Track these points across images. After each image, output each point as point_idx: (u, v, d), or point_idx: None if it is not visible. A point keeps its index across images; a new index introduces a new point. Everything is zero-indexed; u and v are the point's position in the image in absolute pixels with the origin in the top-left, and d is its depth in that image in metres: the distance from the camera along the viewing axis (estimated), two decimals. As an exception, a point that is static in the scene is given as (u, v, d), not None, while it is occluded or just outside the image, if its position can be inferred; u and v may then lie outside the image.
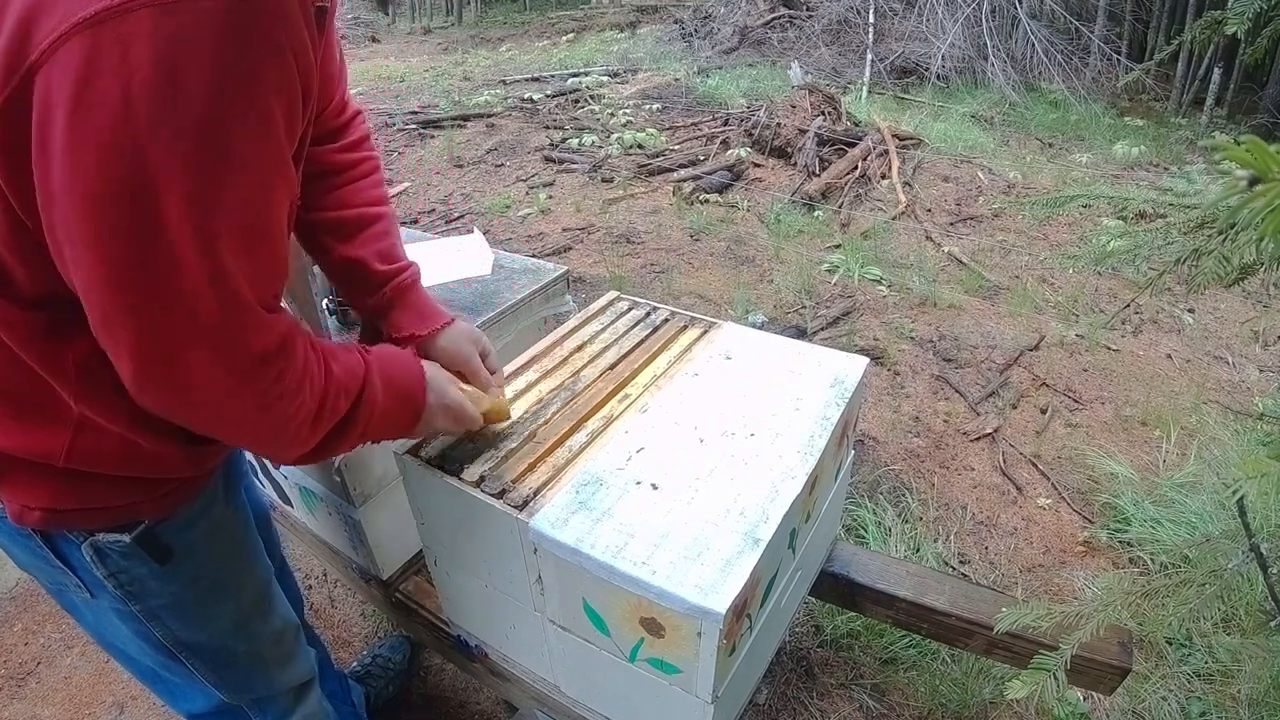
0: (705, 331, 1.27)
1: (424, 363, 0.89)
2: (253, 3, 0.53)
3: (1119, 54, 6.39)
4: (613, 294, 1.40)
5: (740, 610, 0.83)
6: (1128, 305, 3.02)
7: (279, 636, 1.03)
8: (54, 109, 0.51)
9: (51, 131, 0.51)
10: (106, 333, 0.59)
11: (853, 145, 4.57)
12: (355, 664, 1.60)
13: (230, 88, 0.53)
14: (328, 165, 0.95)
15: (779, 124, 4.70)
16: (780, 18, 7.78)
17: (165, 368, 0.60)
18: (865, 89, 6.21)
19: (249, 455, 1.44)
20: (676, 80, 6.47)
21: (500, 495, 0.93)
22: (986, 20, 6.32)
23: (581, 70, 7.13)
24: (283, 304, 0.72)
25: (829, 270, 3.34)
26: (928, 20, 6.69)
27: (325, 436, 0.76)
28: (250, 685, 1.01)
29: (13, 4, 0.52)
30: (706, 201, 4.10)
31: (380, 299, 0.97)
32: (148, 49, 0.49)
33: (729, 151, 4.65)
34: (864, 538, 1.91)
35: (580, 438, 1.03)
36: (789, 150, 4.60)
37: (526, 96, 6.18)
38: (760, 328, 1.65)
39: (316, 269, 1.33)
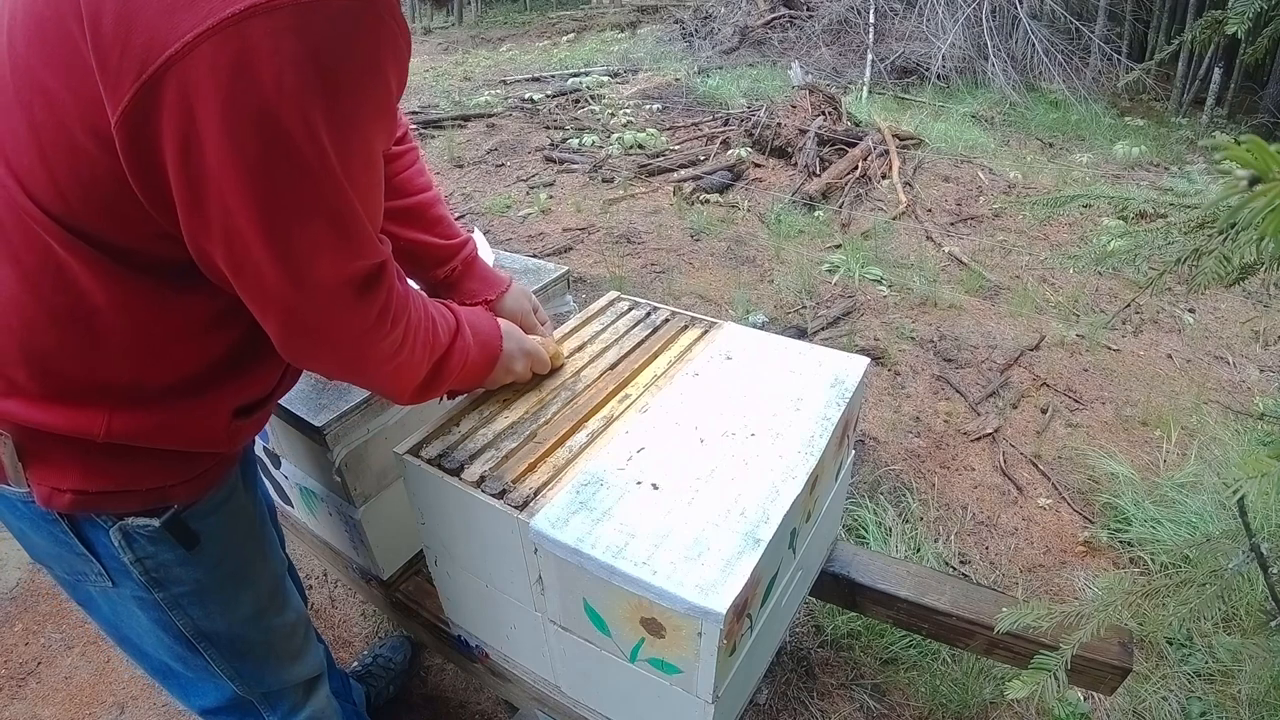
0: (705, 331, 1.27)
1: (500, 320, 1.02)
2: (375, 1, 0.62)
3: (1119, 54, 6.39)
4: (613, 294, 1.40)
5: (740, 610, 0.83)
6: (1128, 305, 3.02)
7: (292, 629, 1.04)
8: (204, 98, 0.56)
9: (204, 118, 0.57)
10: (247, 277, 0.67)
11: (853, 145, 4.57)
12: (356, 664, 1.60)
13: (364, 68, 0.63)
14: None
15: (779, 124, 4.70)
16: (780, 18, 7.78)
17: (304, 295, 0.68)
18: (865, 89, 6.21)
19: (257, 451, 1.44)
20: (677, 80, 6.47)
21: (500, 495, 0.93)
22: (986, 20, 6.32)
23: (582, 70, 7.13)
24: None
25: (829, 270, 3.34)
26: (928, 20, 6.69)
27: (429, 370, 0.85)
28: (263, 678, 1.02)
29: (105, 12, 0.56)
30: (707, 201, 4.10)
31: (450, 272, 1.10)
32: (293, 40, 0.57)
33: (729, 151, 4.66)
34: (864, 538, 1.91)
35: (580, 438, 1.03)
36: (789, 150, 4.60)
37: (527, 96, 6.19)
38: (761, 328, 1.65)
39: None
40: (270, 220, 0.63)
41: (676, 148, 4.94)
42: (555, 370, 1.13)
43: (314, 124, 0.60)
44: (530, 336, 1.07)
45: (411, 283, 1.25)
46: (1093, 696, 1.54)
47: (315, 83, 0.58)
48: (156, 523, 0.80)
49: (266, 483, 1.51)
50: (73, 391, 0.72)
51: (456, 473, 0.97)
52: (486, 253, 1.54)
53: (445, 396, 1.02)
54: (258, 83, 0.56)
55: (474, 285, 1.11)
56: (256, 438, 1.35)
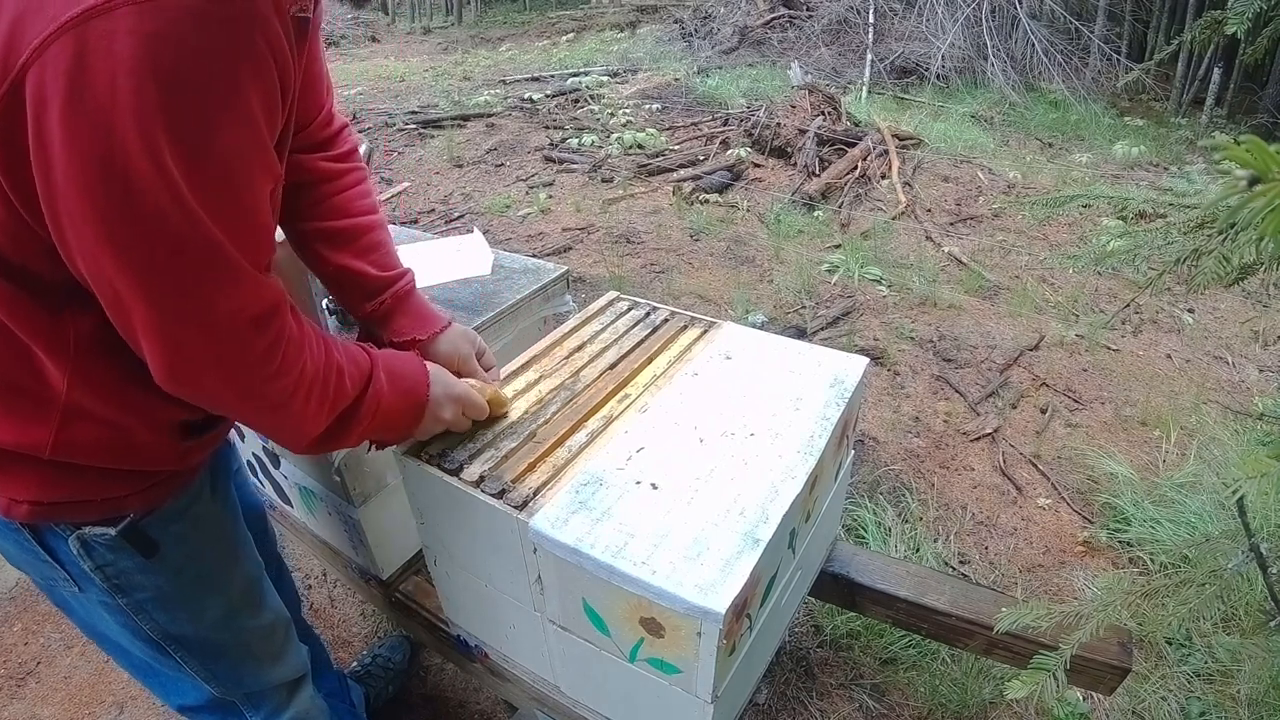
0: (705, 331, 1.27)
1: (429, 365, 0.93)
2: (227, 2, 0.57)
3: (1119, 54, 6.39)
4: (612, 294, 1.40)
5: (740, 610, 0.83)
6: (1128, 305, 3.02)
7: (269, 631, 1.03)
8: (48, 102, 0.54)
9: (47, 123, 0.55)
10: (118, 312, 0.63)
11: (853, 145, 4.57)
12: (355, 664, 1.60)
13: (208, 74, 0.57)
14: (318, 174, 0.97)
15: (779, 124, 4.70)
16: (780, 18, 7.78)
17: (177, 334, 0.64)
18: (865, 89, 6.21)
19: (250, 454, 1.44)
20: (676, 80, 6.47)
21: (500, 495, 0.93)
22: (986, 20, 6.32)
23: (581, 70, 7.13)
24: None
25: (829, 270, 3.34)
26: (928, 20, 6.69)
27: (333, 422, 0.79)
28: (240, 679, 1.01)
29: (4, 11, 0.55)
30: (706, 201, 4.10)
31: (380, 306, 1.00)
32: (129, 42, 0.53)
33: (729, 151, 4.66)
34: (864, 538, 1.91)
35: (580, 438, 1.03)
36: (789, 150, 4.60)
37: (526, 96, 6.19)
38: (760, 328, 1.65)
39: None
40: (120, 248, 0.58)
41: (676, 148, 4.94)
42: (497, 416, 1.03)
43: (156, 146, 0.55)
44: (462, 381, 0.97)
45: (329, 320, 1.24)
46: (1092, 696, 1.54)
47: (154, 95, 0.54)
48: (113, 531, 0.80)
49: (264, 484, 1.51)
50: (22, 407, 0.72)
51: (456, 472, 0.97)
52: (485, 253, 1.54)
53: (373, 447, 0.96)
54: (92, 90, 0.53)
55: (405, 322, 1.01)
56: (252, 439, 1.34)
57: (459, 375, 0.99)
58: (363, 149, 1.34)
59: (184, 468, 0.85)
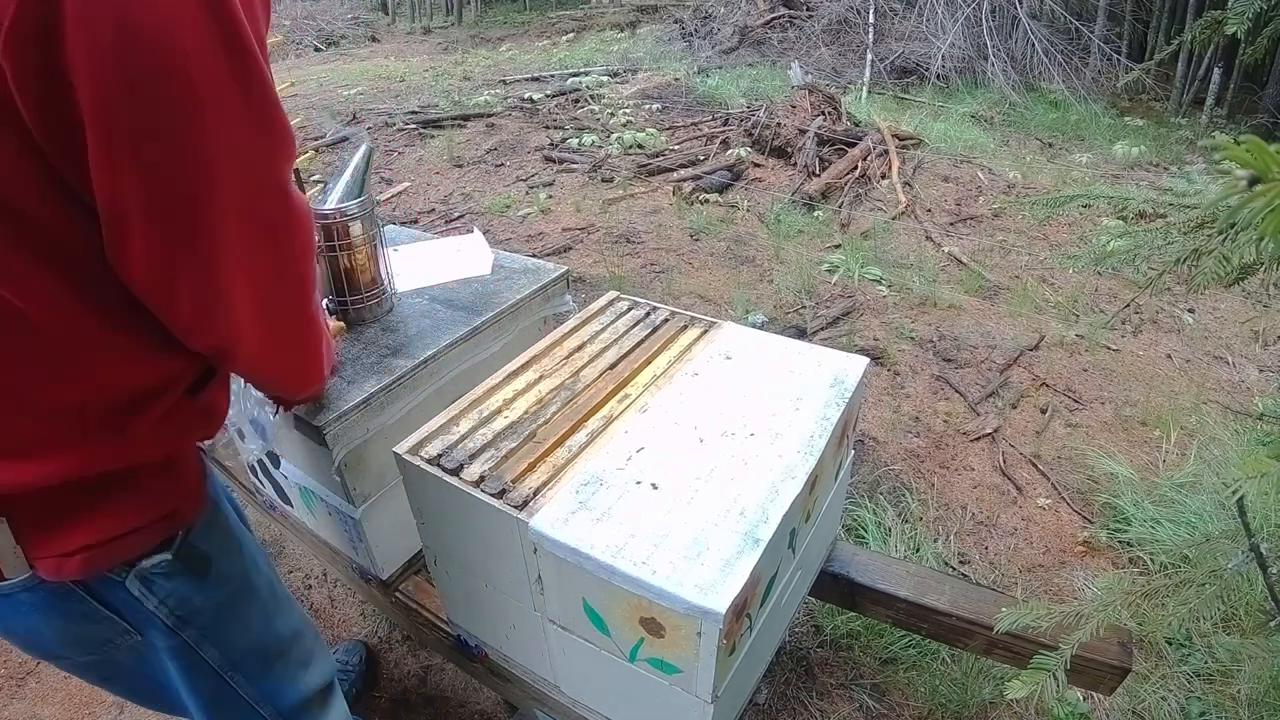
0: (705, 331, 1.27)
1: None
2: None
3: (1119, 54, 6.39)
4: (612, 294, 1.40)
5: (740, 610, 0.83)
6: (1128, 305, 3.02)
7: (299, 633, 1.02)
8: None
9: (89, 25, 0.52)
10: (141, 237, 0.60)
11: (853, 145, 4.57)
12: None
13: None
14: None
15: (779, 124, 4.70)
16: (780, 18, 7.78)
17: (199, 251, 0.62)
18: (865, 89, 6.20)
19: (254, 459, 1.44)
20: (676, 80, 6.47)
21: (500, 495, 0.93)
22: (986, 20, 6.32)
23: (581, 70, 7.13)
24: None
25: (829, 270, 3.34)
26: (928, 20, 6.69)
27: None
28: (285, 692, 0.99)
29: None
30: (706, 201, 4.10)
31: None
32: None
33: (729, 151, 4.65)
34: (864, 538, 1.91)
35: (580, 438, 1.03)
36: (789, 150, 4.59)
37: (526, 96, 6.18)
38: (760, 328, 1.65)
39: (316, 269, 1.33)
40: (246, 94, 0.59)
41: (676, 147, 4.93)
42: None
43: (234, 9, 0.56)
44: None
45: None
46: (1092, 696, 1.54)
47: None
48: (169, 555, 0.78)
49: (265, 484, 1.51)
50: (42, 432, 0.66)
51: (456, 472, 0.97)
52: (485, 253, 1.54)
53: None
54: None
55: None
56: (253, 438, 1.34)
57: None
58: (362, 148, 1.34)
59: (208, 434, 0.82)
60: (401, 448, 1.02)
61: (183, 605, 0.82)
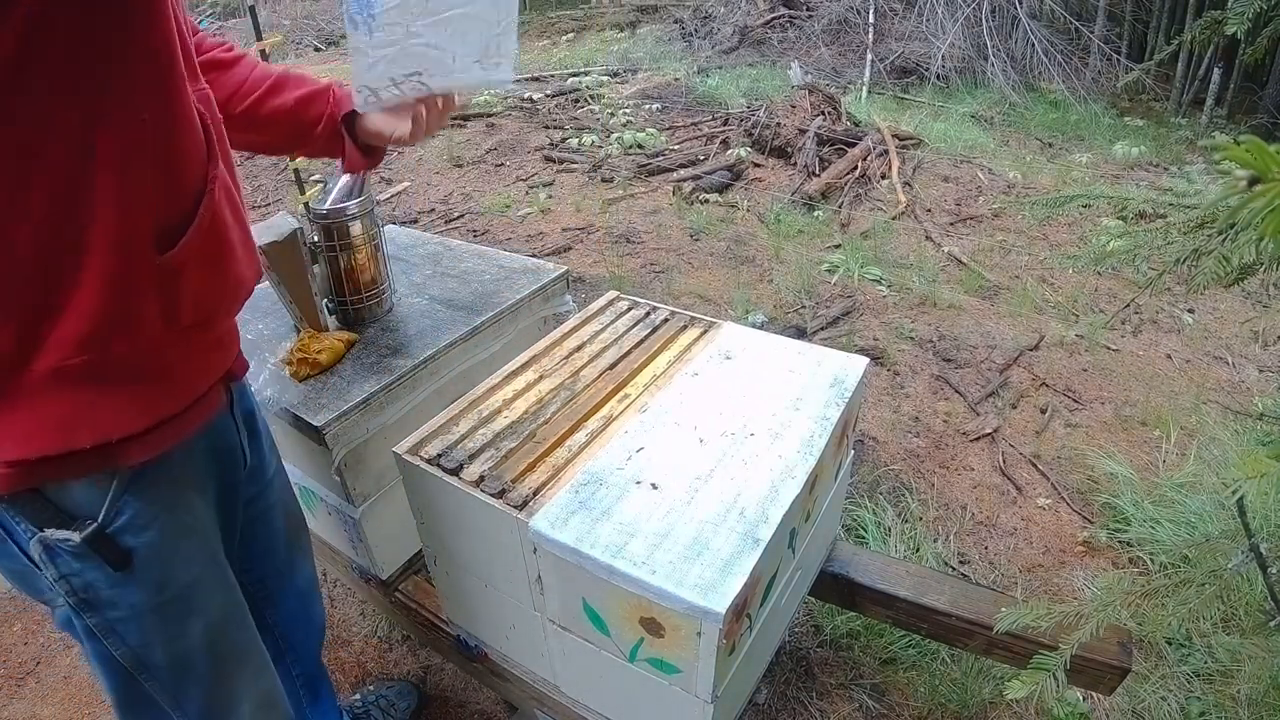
0: (705, 331, 1.27)
1: None
2: None
3: (1119, 54, 6.38)
4: (612, 294, 1.40)
5: (740, 610, 0.83)
6: (1128, 305, 3.02)
7: (245, 659, 0.94)
8: None
9: None
10: None
11: (853, 145, 4.57)
12: (357, 697, 1.52)
13: None
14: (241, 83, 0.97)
15: (779, 124, 4.70)
16: (780, 18, 7.77)
17: None
18: (865, 89, 6.20)
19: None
20: (676, 80, 6.47)
21: (500, 495, 0.93)
22: (986, 20, 6.32)
23: (581, 70, 7.12)
24: None
25: (829, 270, 3.34)
26: (928, 20, 6.69)
27: None
28: (209, 713, 0.91)
29: None
30: (706, 201, 4.10)
31: (331, 126, 0.99)
32: None
33: (729, 151, 4.65)
34: (864, 538, 1.91)
35: (580, 438, 1.03)
36: (789, 150, 4.59)
37: (526, 96, 6.18)
38: (760, 328, 1.65)
39: (316, 268, 1.34)
40: None
41: (676, 147, 4.93)
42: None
43: None
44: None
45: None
46: (1092, 696, 1.54)
47: None
48: (77, 538, 0.70)
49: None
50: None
51: (456, 472, 0.97)
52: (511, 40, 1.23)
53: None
54: None
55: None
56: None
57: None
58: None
59: (191, 363, 0.75)
60: (401, 448, 1.02)
61: (88, 590, 0.74)
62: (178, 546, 0.80)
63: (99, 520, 0.71)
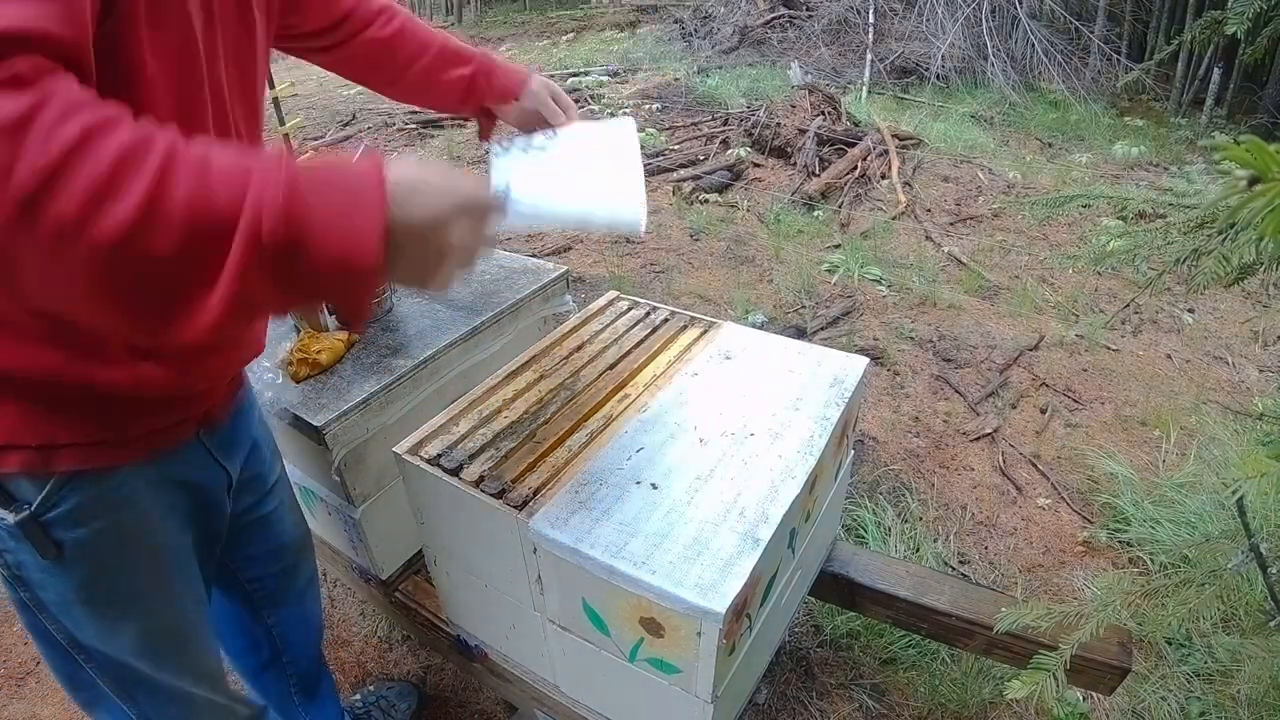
0: (705, 331, 1.27)
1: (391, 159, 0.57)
2: None
3: (1119, 54, 6.39)
4: (612, 294, 1.40)
5: (740, 610, 0.83)
6: (1128, 305, 3.02)
7: (198, 677, 0.93)
8: None
9: None
10: None
11: (853, 145, 4.57)
12: (357, 697, 1.52)
13: None
14: (371, 56, 1.03)
15: (779, 124, 4.70)
16: (780, 18, 7.77)
17: None
18: (865, 89, 6.20)
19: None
20: (676, 80, 6.47)
21: (500, 495, 0.93)
22: (986, 20, 6.32)
23: (581, 70, 7.13)
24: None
25: (829, 270, 3.34)
26: (928, 20, 6.69)
27: (196, 251, 0.47)
28: (166, 713, 0.92)
29: None
30: (706, 201, 4.10)
31: (480, 85, 1.05)
32: None
33: (729, 151, 4.65)
34: (864, 538, 1.91)
35: (580, 437, 1.03)
36: (789, 150, 4.59)
37: (526, 96, 6.18)
38: (760, 328, 1.65)
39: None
40: None
41: (676, 147, 4.93)
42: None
43: None
44: (451, 177, 0.59)
45: (329, 320, 1.19)
46: (1092, 696, 1.54)
47: None
48: (11, 520, 0.71)
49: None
50: None
51: (456, 472, 0.97)
52: (636, 184, 0.99)
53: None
54: None
55: (499, 90, 1.06)
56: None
57: (536, 125, 1.03)
58: (363, 149, 1.34)
59: (139, 393, 0.73)
60: (401, 448, 1.02)
61: (20, 568, 0.76)
62: (114, 551, 0.80)
63: (33, 508, 0.73)
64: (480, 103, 1.07)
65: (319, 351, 1.23)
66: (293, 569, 1.16)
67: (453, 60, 1.05)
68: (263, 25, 0.81)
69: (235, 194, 0.48)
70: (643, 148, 4.88)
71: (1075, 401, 2.52)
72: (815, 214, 3.92)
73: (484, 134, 1.10)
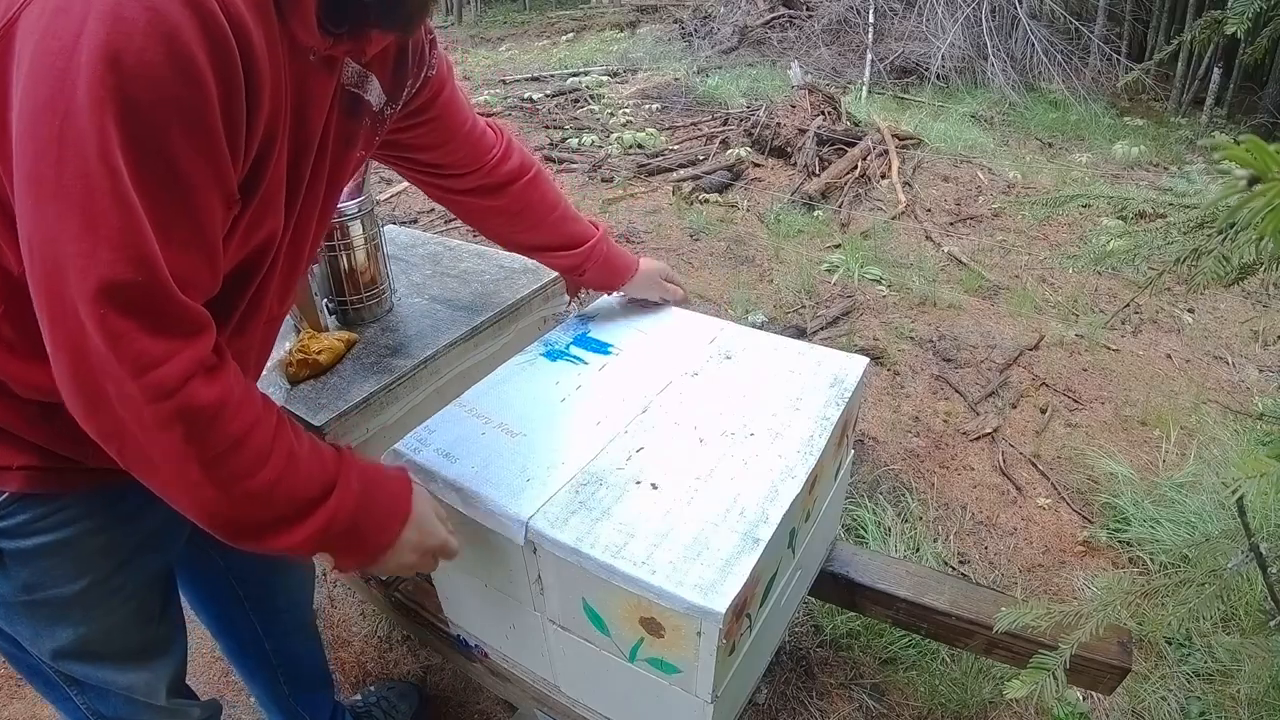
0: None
1: (415, 491, 0.85)
2: (205, 11, 0.55)
3: (1119, 54, 6.39)
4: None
5: (740, 610, 0.83)
6: (1127, 305, 3.02)
7: (152, 687, 0.95)
8: (20, 56, 0.54)
9: (20, 60, 0.54)
10: (40, 289, 0.57)
11: (852, 145, 4.57)
12: (358, 697, 1.52)
13: (167, 71, 0.54)
14: (509, 209, 1.16)
15: (779, 124, 4.70)
16: (780, 17, 7.78)
17: (79, 349, 0.58)
18: (865, 89, 6.20)
19: None
20: (676, 80, 6.47)
21: (500, 495, 0.93)
22: (986, 20, 6.32)
23: (581, 70, 7.13)
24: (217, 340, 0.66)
25: (829, 270, 3.34)
26: (927, 20, 6.69)
27: (279, 516, 0.70)
28: (112, 708, 0.93)
29: None
30: (706, 201, 4.10)
31: (582, 276, 1.26)
32: (103, 25, 0.52)
33: (729, 151, 4.65)
34: (864, 538, 1.91)
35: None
36: (789, 150, 4.59)
37: (526, 96, 6.18)
38: (760, 327, 1.65)
39: (315, 268, 1.34)
40: (48, 222, 0.55)
41: (676, 147, 4.93)
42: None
43: (97, 127, 0.53)
44: (439, 525, 0.88)
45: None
46: (1092, 696, 1.54)
47: (107, 86, 0.52)
48: None
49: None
50: None
51: (456, 472, 0.97)
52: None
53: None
54: (54, 57, 0.52)
55: (603, 278, 1.27)
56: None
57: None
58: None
59: (57, 449, 0.75)
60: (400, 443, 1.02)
61: None
62: (54, 564, 0.81)
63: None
64: (581, 286, 1.28)
65: (319, 352, 1.23)
66: (290, 598, 1.18)
67: (568, 240, 1.23)
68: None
69: (326, 484, 0.73)
70: (643, 148, 4.88)
71: (1075, 401, 2.52)
72: (815, 214, 3.92)
73: (571, 293, 1.37)
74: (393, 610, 1.43)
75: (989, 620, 1.18)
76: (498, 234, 1.21)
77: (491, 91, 6.50)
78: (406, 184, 4.49)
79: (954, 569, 1.87)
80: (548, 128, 5.40)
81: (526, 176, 1.14)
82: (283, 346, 1.28)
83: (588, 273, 1.24)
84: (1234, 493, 0.73)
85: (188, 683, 1.05)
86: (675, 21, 8.81)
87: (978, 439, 2.33)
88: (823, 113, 4.93)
